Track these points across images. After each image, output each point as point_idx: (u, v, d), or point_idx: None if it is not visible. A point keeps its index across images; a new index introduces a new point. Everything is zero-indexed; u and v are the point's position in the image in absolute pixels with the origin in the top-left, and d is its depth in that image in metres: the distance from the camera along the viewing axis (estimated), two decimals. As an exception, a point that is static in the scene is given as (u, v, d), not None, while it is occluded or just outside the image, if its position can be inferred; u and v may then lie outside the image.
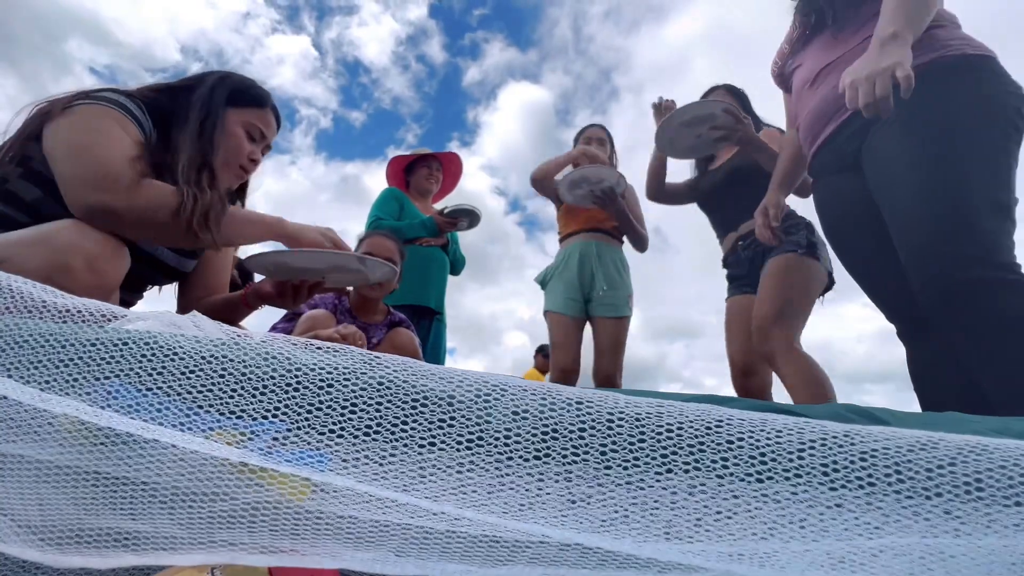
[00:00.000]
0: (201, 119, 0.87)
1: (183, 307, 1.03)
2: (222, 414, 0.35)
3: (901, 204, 0.91)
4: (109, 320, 0.44)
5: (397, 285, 1.53)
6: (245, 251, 1.21)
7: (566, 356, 1.88)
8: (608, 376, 1.85)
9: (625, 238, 2.04)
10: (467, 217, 1.97)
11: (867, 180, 1.00)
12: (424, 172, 2.17)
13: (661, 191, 1.89)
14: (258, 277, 1.09)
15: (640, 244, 2.03)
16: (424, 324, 1.99)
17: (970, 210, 0.83)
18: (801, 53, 1.17)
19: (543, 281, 2.04)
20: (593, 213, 1.98)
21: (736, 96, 1.71)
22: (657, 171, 1.86)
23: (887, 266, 1.00)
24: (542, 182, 2.03)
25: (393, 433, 0.34)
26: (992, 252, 0.81)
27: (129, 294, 0.95)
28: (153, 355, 0.37)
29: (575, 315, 1.91)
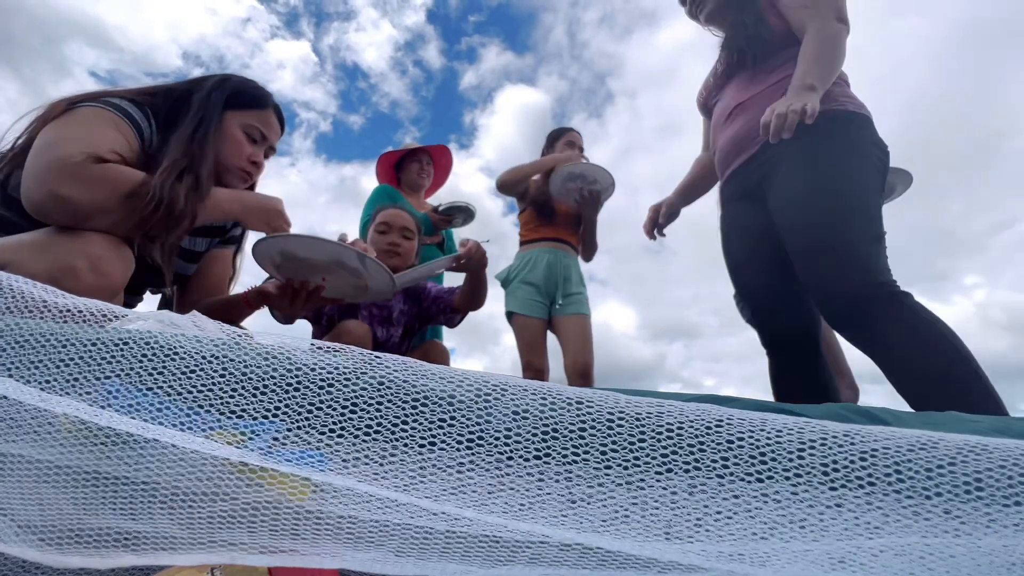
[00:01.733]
0: (195, 125, 0.85)
1: (183, 309, 1.03)
2: (222, 414, 0.35)
3: (800, 230, 1.06)
4: (109, 320, 0.44)
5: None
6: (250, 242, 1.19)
7: (537, 357, 1.96)
8: (586, 366, 1.90)
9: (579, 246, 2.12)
10: (462, 214, 1.98)
11: (769, 206, 1.14)
12: (415, 167, 2.14)
13: None
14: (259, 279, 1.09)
15: (592, 253, 2.11)
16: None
17: (856, 237, 0.99)
18: (723, 88, 1.31)
19: (504, 280, 2.09)
20: (562, 224, 2.06)
21: None
22: None
23: (768, 284, 1.18)
24: (514, 186, 2.09)
25: (393, 433, 0.34)
26: (875, 272, 0.97)
27: (129, 296, 0.95)
28: (153, 355, 0.37)
29: (541, 317, 1.99)
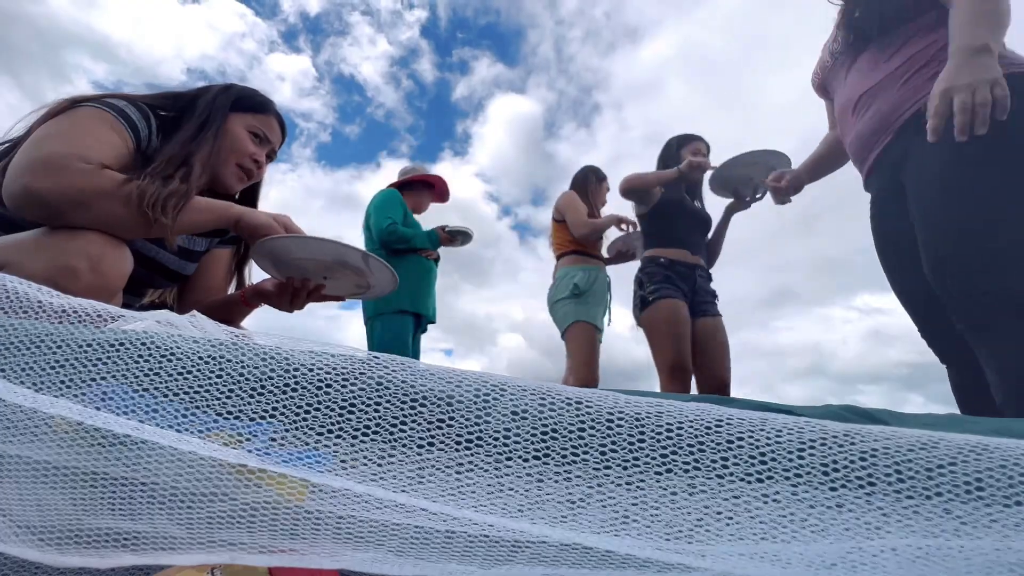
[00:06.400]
0: (199, 124, 0.86)
1: (182, 310, 1.02)
2: (219, 415, 0.35)
3: (928, 233, 0.92)
4: (106, 321, 0.43)
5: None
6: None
7: (592, 374, 2.04)
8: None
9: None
10: (463, 237, 2.22)
11: (909, 203, 0.98)
12: (428, 195, 2.34)
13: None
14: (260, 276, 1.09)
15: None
16: (419, 332, 2.21)
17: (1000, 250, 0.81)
18: (842, 69, 1.15)
19: (582, 291, 2.08)
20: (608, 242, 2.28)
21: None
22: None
23: (928, 293, 0.99)
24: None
25: (392, 433, 0.34)
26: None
27: (129, 297, 0.94)
28: (149, 356, 0.37)
29: (602, 332, 2.14)
